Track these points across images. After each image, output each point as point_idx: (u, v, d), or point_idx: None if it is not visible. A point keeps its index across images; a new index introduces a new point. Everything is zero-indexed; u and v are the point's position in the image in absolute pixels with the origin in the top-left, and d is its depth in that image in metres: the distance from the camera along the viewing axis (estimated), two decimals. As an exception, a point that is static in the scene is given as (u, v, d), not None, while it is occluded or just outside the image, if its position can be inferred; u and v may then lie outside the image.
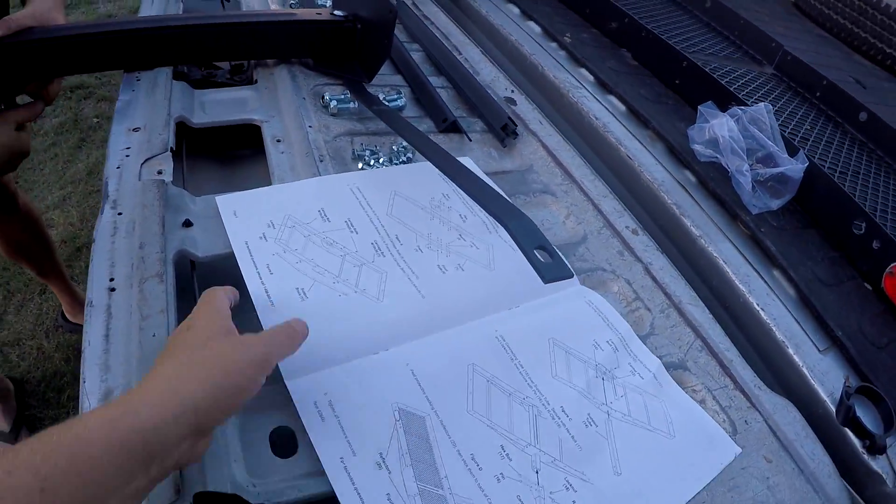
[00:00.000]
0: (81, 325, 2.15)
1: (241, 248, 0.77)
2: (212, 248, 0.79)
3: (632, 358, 0.78)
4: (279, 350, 0.58)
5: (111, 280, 0.71)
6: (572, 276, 0.74)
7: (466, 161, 1.00)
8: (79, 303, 2.18)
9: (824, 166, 1.20)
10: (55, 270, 2.08)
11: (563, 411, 0.69)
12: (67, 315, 2.23)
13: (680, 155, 1.09)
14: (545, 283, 0.70)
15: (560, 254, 0.73)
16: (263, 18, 1.17)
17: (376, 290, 0.76)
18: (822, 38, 2.11)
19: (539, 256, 0.71)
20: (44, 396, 2.05)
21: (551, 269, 0.70)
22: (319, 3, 1.47)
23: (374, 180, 0.93)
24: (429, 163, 0.93)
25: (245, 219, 0.81)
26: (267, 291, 0.72)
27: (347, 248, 0.81)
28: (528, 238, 0.73)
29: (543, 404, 0.69)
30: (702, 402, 0.74)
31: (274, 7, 1.45)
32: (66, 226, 2.62)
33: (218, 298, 0.60)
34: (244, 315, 0.66)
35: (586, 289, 0.86)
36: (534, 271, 0.72)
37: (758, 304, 0.87)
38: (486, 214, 0.89)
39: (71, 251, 2.51)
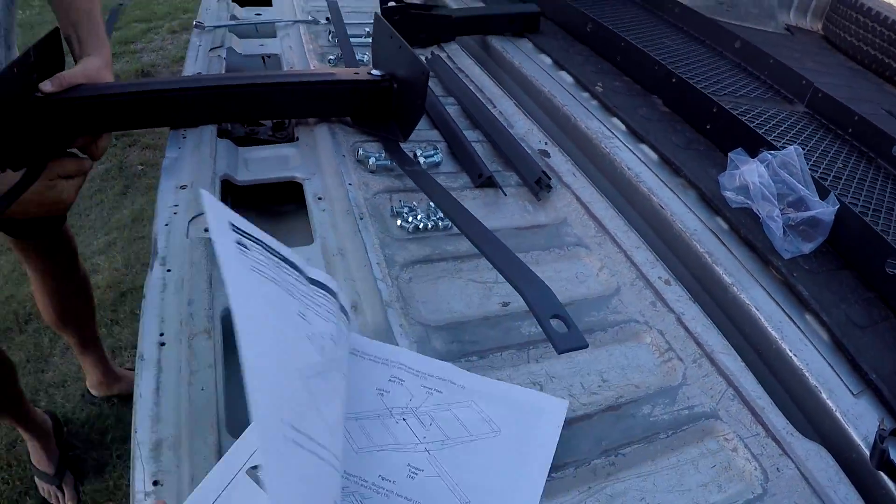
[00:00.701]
0: (105, 398, 2.15)
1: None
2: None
3: (420, 378, 0.74)
4: None
5: (161, 335, 0.75)
6: (587, 346, 0.72)
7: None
8: (110, 377, 2.18)
9: (856, 205, 1.22)
10: (94, 341, 2.09)
11: (383, 479, 0.65)
12: (92, 390, 2.22)
13: (711, 202, 1.12)
14: (558, 353, 0.70)
15: (576, 324, 0.73)
16: (303, 79, 1.23)
17: None
18: (853, 70, 2.13)
19: (555, 326, 0.73)
20: (88, 437, 2.11)
21: (566, 339, 0.70)
22: (357, 57, 1.54)
23: None
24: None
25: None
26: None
27: None
28: (545, 307, 0.74)
29: (362, 484, 0.64)
30: (733, 451, 0.77)
31: (314, 65, 1.51)
32: (111, 271, 2.72)
33: None
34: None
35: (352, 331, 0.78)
36: None
37: (790, 350, 0.89)
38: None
39: (115, 296, 2.60)
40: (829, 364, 0.90)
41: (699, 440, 0.77)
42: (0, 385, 1.71)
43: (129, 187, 3.23)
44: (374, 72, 1.21)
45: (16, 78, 0.96)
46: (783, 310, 0.96)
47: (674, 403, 0.81)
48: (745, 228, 1.07)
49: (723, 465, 0.75)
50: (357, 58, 1.53)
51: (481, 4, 1.94)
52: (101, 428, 2.14)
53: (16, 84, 0.96)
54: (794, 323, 0.94)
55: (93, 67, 1.06)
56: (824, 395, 0.84)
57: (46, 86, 0.99)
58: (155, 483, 0.61)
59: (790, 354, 0.89)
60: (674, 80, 1.42)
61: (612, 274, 0.99)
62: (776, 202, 1.09)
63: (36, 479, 1.95)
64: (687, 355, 0.87)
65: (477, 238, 0.89)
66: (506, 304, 0.90)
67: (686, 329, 0.90)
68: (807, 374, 0.87)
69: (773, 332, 0.91)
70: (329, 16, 1.77)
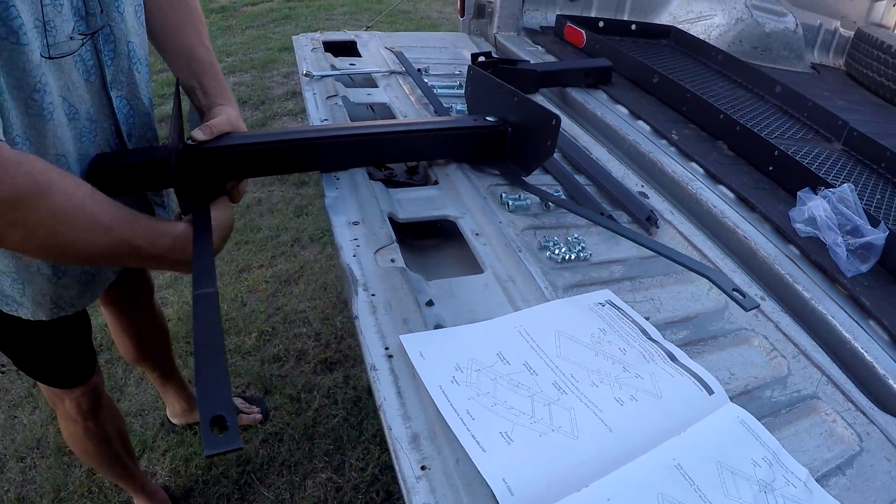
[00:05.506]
0: (187, 426, 2.29)
1: (438, 392, 0.85)
2: (458, 322, 1.03)
3: (784, 470, 0.89)
4: None
5: (386, 348, 0.91)
6: (759, 305, 0.99)
7: (605, 293, 1.18)
8: (193, 404, 2.19)
9: (897, 231, 1.50)
10: (173, 372, 2.11)
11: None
12: (173, 419, 2.26)
13: (784, 233, 1.40)
14: (746, 311, 0.97)
15: (748, 292, 1.00)
16: (432, 126, 1.47)
17: (570, 426, 0.84)
18: (877, 105, 2.40)
19: (736, 295, 0.99)
20: (171, 465, 2.17)
21: (748, 302, 0.98)
22: (446, 106, 1.77)
23: (536, 321, 1.05)
24: (579, 298, 1.15)
25: (433, 361, 0.90)
26: (475, 438, 0.79)
27: (532, 388, 0.90)
28: (725, 282, 1.02)
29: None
30: (833, 422, 1.03)
31: (425, 114, 1.76)
32: (180, 304, 2.84)
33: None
34: (463, 465, 0.76)
35: (736, 407, 0.97)
36: (692, 397, 0.96)
37: (862, 348, 1.16)
38: (641, 346, 1.05)
39: (188, 329, 2.64)
40: (891, 357, 1.16)
41: (807, 415, 1.04)
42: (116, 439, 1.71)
43: (199, 224, 3.36)
44: (490, 118, 1.46)
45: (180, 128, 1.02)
46: (851, 317, 1.23)
47: (785, 389, 1.08)
48: (815, 254, 1.34)
49: (828, 432, 1.02)
50: (444, 106, 1.78)
51: (553, 59, 2.22)
52: (185, 455, 2.20)
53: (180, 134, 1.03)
54: (862, 327, 1.21)
55: (234, 116, 1.13)
56: (891, 381, 1.11)
57: (199, 134, 1.04)
58: (423, 468, 0.72)
59: (862, 351, 1.15)
60: (738, 129, 1.70)
61: (719, 294, 1.25)
62: (838, 231, 1.37)
63: None
64: (788, 353, 1.14)
65: (644, 241, 1.16)
66: (646, 318, 1.16)
67: (783, 333, 1.17)
68: (876, 366, 1.13)
69: (847, 335, 1.18)
70: (418, 67, 2.05)
